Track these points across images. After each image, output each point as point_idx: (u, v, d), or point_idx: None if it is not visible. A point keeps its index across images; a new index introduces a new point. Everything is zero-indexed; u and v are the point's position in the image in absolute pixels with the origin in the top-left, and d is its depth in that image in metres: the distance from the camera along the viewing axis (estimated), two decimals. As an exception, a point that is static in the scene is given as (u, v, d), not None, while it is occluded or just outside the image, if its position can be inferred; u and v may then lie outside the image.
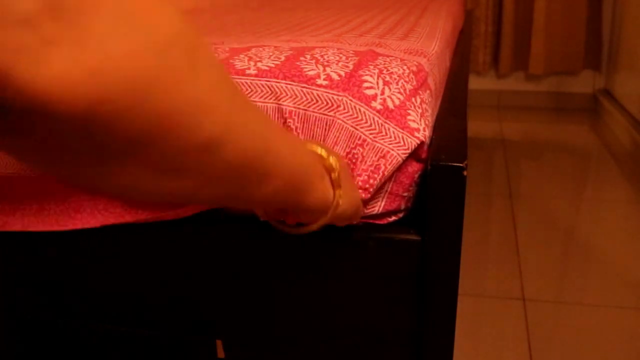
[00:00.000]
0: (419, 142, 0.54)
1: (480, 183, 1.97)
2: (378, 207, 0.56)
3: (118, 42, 0.21)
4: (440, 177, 0.52)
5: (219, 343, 0.65)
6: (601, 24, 2.70)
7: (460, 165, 0.52)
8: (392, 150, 0.54)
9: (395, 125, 0.54)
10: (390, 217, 0.58)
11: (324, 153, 0.43)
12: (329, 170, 0.44)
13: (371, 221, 0.58)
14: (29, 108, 0.20)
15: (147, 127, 0.24)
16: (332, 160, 0.43)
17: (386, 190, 0.56)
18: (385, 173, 0.54)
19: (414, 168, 0.55)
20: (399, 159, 0.54)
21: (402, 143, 0.54)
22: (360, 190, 0.54)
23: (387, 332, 0.60)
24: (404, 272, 0.58)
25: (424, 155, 0.56)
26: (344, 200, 0.45)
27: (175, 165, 0.27)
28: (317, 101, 0.55)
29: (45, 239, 0.65)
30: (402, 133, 0.54)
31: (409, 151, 0.54)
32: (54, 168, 0.25)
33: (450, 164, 0.52)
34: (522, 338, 1.19)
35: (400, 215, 0.58)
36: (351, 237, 0.57)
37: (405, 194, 0.56)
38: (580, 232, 1.61)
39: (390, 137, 0.54)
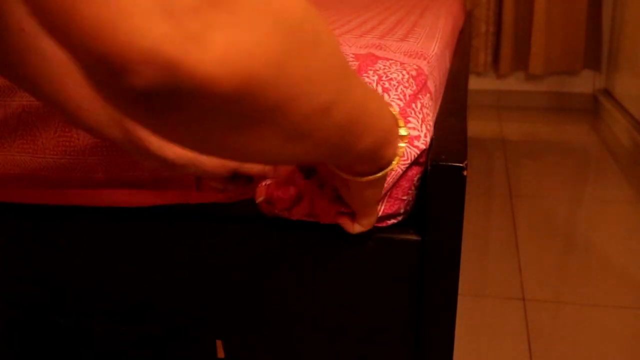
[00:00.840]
0: (419, 151, 0.54)
1: (480, 183, 1.97)
2: (378, 210, 0.57)
3: (261, 24, 0.24)
4: (440, 177, 0.52)
5: (219, 343, 0.65)
6: (601, 24, 2.70)
7: (460, 165, 0.52)
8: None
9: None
10: (390, 220, 0.58)
11: (396, 113, 0.48)
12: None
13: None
14: (197, 88, 0.23)
15: (283, 95, 0.27)
16: (401, 122, 0.48)
17: (386, 194, 0.56)
18: (385, 185, 0.54)
19: (414, 172, 0.56)
20: (399, 171, 0.54)
21: (404, 156, 0.54)
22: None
23: (387, 332, 0.60)
24: (404, 272, 0.58)
25: (423, 159, 0.56)
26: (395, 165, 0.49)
27: (300, 130, 0.31)
28: None
29: (45, 237, 0.66)
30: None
31: (408, 162, 0.54)
32: (199, 140, 0.28)
33: (450, 164, 0.52)
34: (522, 338, 1.19)
35: (400, 218, 0.58)
36: (351, 237, 0.57)
37: (405, 197, 0.56)
38: (580, 232, 1.62)
39: None
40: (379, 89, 0.57)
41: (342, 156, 0.40)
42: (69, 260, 0.66)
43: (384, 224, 0.58)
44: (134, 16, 0.21)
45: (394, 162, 0.47)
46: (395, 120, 0.46)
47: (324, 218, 0.55)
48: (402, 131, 0.47)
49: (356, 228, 0.54)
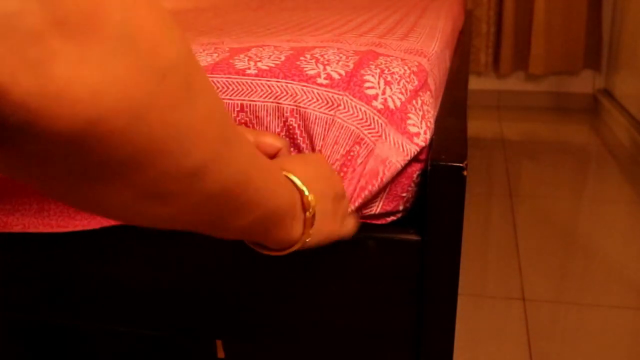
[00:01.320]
0: (419, 148, 0.54)
1: (480, 183, 1.97)
2: (376, 207, 0.56)
3: (119, 63, 0.21)
4: (440, 177, 0.52)
5: (219, 343, 0.65)
6: (601, 24, 2.70)
7: (460, 165, 0.52)
8: (392, 156, 0.54)
9: (396, 130, 0.54)
10: (389, 217, 0.58)
11: (305, 189, 0.43)
12: (306, 207, 0.44)
13: (369, 221, 0.58)
14: (28, 122, 0.20)
15: (139, 149, 0.24)
16: (311, 197, 0.43)
17: (385, 191, 0.56)
18: (384, 179, 0.54)
19: (413, 168, 0.55)
20: (398, 166, 0.54)
21: (401, 149, 0.54)
22: (357, 196, 0.54)
23: (387, 332, 0.60)
24: (404, 272, 0.58)
25: (423, 156, 0.55)
26: (315, 237, 0.46)
27: (162, 190, 0.27)
28: (317, 100, 0.55)
29: (44, 239, 0.65)
30: (402, 138, 0.54)
31: (408, 158, 0.54)
32: (40, 183, 0.25)
33: (450, 164, 0.52)
34: (522, 338, 1.19)
35: (399, 215, 0.58)
36: (351, 237, 0.57)
37: (404, 194, 0.56)
38: (580, 232, 1.61)
39: (390, 142, 0.54)
40: (381, 82, 0.56)
41: (217, 229, 0.36)
42: (68, 260, 0.66)
43: (383, 221, 0.58)
44: None
45: (301, 241, 0.44)
46: (295, 200, 0.42)
47: None
48: (311, 198, 0.43)
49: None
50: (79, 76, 0.20)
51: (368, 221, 0.58)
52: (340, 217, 0.50)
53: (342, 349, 0.62)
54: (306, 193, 0.43)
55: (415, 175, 0.56)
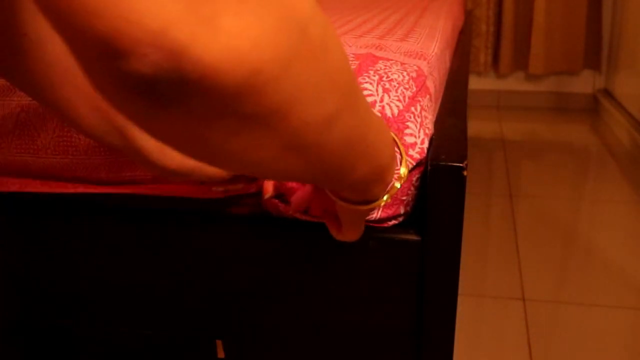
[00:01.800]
0: (414, 162, 0.54)
1: (480, 183, 1.97)
2: (377, 212, 0.57)
3: (270, 15, 0.22)
4: (440, 177, 0.52)
5: (219, 343, 0.65)
6: (601, 24, 2.70)
7: (460, 165, 0.52)
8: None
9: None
10: (390, 221, 0.58)
11: (402, 149, 0.46)
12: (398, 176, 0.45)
13: (371, 225, 0.58)
14: (202, 77, 0.21)
15: (286, 99, 0.25)
16: (404, 158, 0.46)
17: None
18: None
19: (413, 173, 0.56)
20: (390, 182, 0.54)
21: (397, 166, 0.54)
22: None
23: (387, 332, 0.60)
24: (404, 272, 0.58)
25: (423, 158, 0.56)
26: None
27: (299, 140, 0.29)
28: None
29: (44, 238, 0.66)
30: (397, 151, 0.54)
31: (404, 176, 0.54)
32: (194, 145, 0.27)
33: (450, 164, 0.52)
34: (522, 338, 1.19)
35: (401, 219, 0.58)
36: (351, 237, 0.57)
37: (404, 198, 0.56)
38: (580, 232, 1.62)
39: None
40: (379, 90, 0.57)
41: (335, 181, 0.37)
42: (68, 261, 0.66)
43: (384, 225, 0.58)
44: None
45: (380, 201, 0.44)
46: (395, 158, 0.43)
47: (315, 211, 0.55)
48: (402, 170, 0.44)
49: (339, 236, 0.52)
50: (243, 30, 0.21)
51: (371, 225, 0.58)
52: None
53: (342, 349, 0.62)
54: (402, 153, 0.45)
55: (415, 179, 0.56)
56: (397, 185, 0.44)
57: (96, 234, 0.64)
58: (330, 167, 0.34)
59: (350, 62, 0.61)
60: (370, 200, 0.44)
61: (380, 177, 0.41)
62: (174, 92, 0.22)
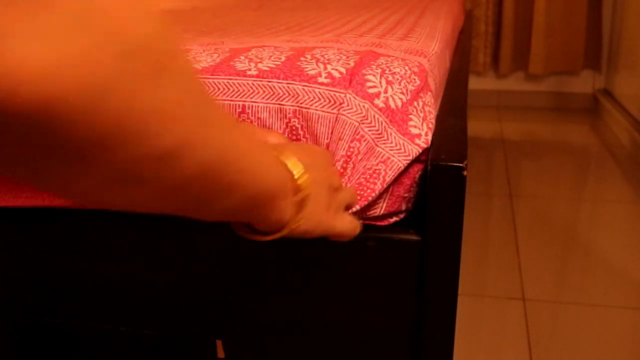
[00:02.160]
0: (420, 149, 0.54)
1: (480, 183, 1.97)
2: (379, 208, 0.57)
3: (78, 40, 0.20)
4: (440, 177, 0.52)
5: (219, 343, 0.65)
6: (601, 24, 2.70)
7: (460, 165, 0.52)
8: (393, 156, 0.54)
9: (397, 130, 0.55)
10: (392, 218, 0.58)
11: (296, 171, 0.42)
12: (295, 190, 0.42)
13: (373, 222, 0.58)
14: None
15: (104, 131, 0.23)
16: (303, 180, 0.42)
17: (388, 192, 0.56)
18: (387, 179, 0.54)
19: (415, 169, 0.56)
20: (400, 165, 0.54)
21: (403, 150, 0.54)
22: (359, 195, 0.54)
23: (387, 331, 0.60)
24: (404, 272, 0.58)
25: (423, 157, 0.56)
26: (305, 223, 0.45)
27: (131, 174, 0.26)
28: (319, 99, 0.55)
29: (43, 237, 0.66)
30: (403, 140, 0.54)
31: (410, 158, 0.54)
32: (3, 167, 0.24)
33: (450, 164, 0.52)
34: (522, 338, 1.19)
35: (402, 216, 0.58)
36: (351, 237, 0.57)
37: (406, 195, 0.56)
38: (580, 232, 1.62)
39: (392, 142, 0.54)
40: (383, 82, 0.56)
41: (204, 209, 0.34)
42: (67, 260, 0.66)
43: (386, 222, 0.58)
44: None
45: (284, 230, 0.42)
46: (285, 179, 0.41)
47: None
48: (302, 181, 0.42)
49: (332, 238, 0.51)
50: (33, 53, 0.19)
51: (372, 222, 0.58)
52: (334, 209, 0.49)
53: (342, 349, 0.62)
54: (296, 176, 0.42)
55: (417, 176, 0.56)
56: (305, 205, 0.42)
57: (96, 234, 0.64)
58: (187, 198, 0.31)
59: (351, 56, 0.60)
60: (277, 228, 0.42)
61: (269, 201, 0.38)
62: None
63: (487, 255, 1.51)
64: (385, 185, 0.54)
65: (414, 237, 0.56)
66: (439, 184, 0.52)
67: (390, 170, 0.54)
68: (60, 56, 0.19)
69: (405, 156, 0.54)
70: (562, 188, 1.91)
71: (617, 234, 1.60)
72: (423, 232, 0.56)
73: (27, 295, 0.69)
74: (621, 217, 1.71)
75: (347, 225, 0.50)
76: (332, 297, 0.60)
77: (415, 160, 0.55)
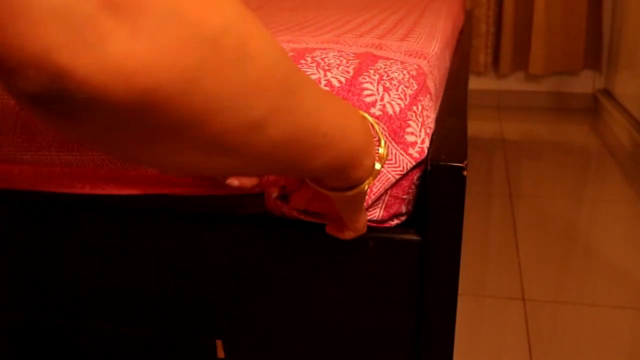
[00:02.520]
0: (413, 161, 0.54)
1: (480, 183, 1.97)
2: (378, 211, 0.57)
3: (168, 36, 0.23)
4: (440, 177, 0.52)
5: (219, 343, 0.65)
6: (601, 24, 2.70)
7: (460, 165, 0.52)
8: (384, 169, 0.54)
9: (392, 138, 0.55)
10: (393, 220, 0.58)
11: (378, 131, 0.47)
12: (377, 145, 0.45)
13: (374, 225, 0.58)
14: (90, 97, 0.23)
15: (196, 110, 0.26)
16: (383, 150, 0.45)
17: (386, 194, 0.56)
18: (374, 190, 0.54)
19: (413, 171, 0.56)
20: (389, 177, 0.54)
21: (394, 161, 0.54)
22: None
23: (387, 332, 0.60)
24: (404, 272, 0.58)
25: (422, 160, 0.56)
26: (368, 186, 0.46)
27: (224, 145, 0.29)
28: None
29: (43, 237, 0.66)
30: (397, 150, 0.54)
31: (402, 172, 0.54)
32: (110, 149, 0.28)
33: (450, 164, 0.52)
34: (522, 338, 1.19)
35: (403, 218, 0.58)
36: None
37: (406, 197, 0.56)
38: (580, 232, 1.62)
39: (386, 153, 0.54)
40: (380, 89, 0.57)
41: (292, 171, 0.37)
42: (67, 260, 0.66)
43: (387, 225, 0.58)
44: (27, 20, 0.20)
45: (365, 184, 0.44)
46: (370, 140, 0.43)
47: (314, 208, 0.54)
48: (381, 150, 0.44)
49: (347, 234, 0.52)
50: (132, 51, 0.22)
51: (373, 225, 0.58)
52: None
53: (342, 349, 0.62)
54: (382, 143, 0.45)
55: (415, 178, 0.56)
56: (378, 166, 0.44)
57: (96, 234, 0.64)
58: (279, 161, 0.34)
59: (350, 60, 0.60)
60: (354, 184, 0.44)
61: (353, 161, 0.41)
62: (66, 107, 0.23)
63: (487, 255, 1.51)
64: (372, 197, 0.54)
65: (414, 237, 0.56)
66: (439, 184, 0.52)
67: (380, 183, 0.54)
68: (155, 52, 0.23)
69: (396, 167, 0.54)
70: (562, 188, 1.91)
71: (617, 234, 1.60)
72: (423, 232, 0.56)
73: (27, 295, 0.69)
74: (621, 217, 1.71)
75: (364, 224, 0.51)
76: (332, 297, 0.60)
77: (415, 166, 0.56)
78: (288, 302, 0.62)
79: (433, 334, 0.58)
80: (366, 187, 0.44)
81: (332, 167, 0.39)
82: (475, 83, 2.91)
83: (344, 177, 0.42)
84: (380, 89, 0.56)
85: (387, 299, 0.59)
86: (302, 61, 0.60)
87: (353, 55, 0.62)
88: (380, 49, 0.68)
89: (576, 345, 1.17)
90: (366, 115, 0.46)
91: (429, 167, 0.53)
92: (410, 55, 0.67)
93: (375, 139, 0.46)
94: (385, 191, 0.56)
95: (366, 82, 0.57)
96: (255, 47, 0.28)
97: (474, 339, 1.19)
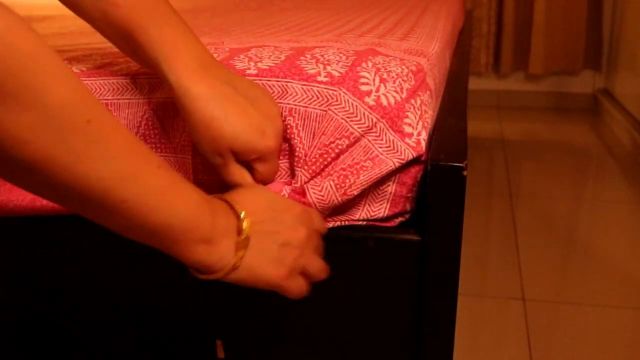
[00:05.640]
0: (413, 151, 0.54)
1: (480, 183, 1.97)
2: (383, 209, 0.56)
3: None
4: (440, 177, 0.52)
5: (219, 343, 0.65)
6: (601, 24, 2.70)
7: (460, 165, 0.52)
8: (382, 154, 0.54)
9: (390, 127, 0.54)
10: (397, 218, 0.58)
11: (242, 213, 0.45)
12: (238, 231, 0.45)
13: (378, 224, 0.58)
14: None
15: None
16: (245, 224, 0.45)
17: (390, 192, 0.56)
18: (372, 176, 0.54)
19: (416, 168, 0.56)
20: (389, 163, 0.53)
21: (393, 148, 0.54)
22: (339, 188, 0.54)
23: (387, 332, 0.60)
24: (404, 272, 0.58)
25: (424, 157, 0.56)
26: (242, 272, 0.46)
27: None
28: (317, 98, 0.55)
29: (42, 237, 0.65)
30: (394, 137, 0.54)
31: (401, 156, 0.54)
32: None
33: (450, 164, 0.52)
34: (522, 338, 1.19)
35: (407, 216, 0.58)
36: (351, 237, 0.57)
37: (410, 195, 0.56)
38: (580, 232, 1.61)
39: (382, 139, 0.54)
40: (376, 80, 0.56)
41: (104, 219, 0.39)
42: (67, 261, 0.66)
43: (391, 224, 0.58)
44: None
45: (216, 274, 0.45)
46: (208, 227, 0.43)
47: None
48: (242, 212, 0.45)
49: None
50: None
51: (377, 224, 0.58)
52: (286, 267, 0.49)
53: (342, 349, 0.62)
54: (241, 216, 0.45)
55: (418, 176, 0.56)
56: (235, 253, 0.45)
57: (96, 234, 0.64)
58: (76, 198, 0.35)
59: (350, 57, 0.60)
60: (201, 268, 0.45)
61: (178, 238, 0.42)
62: None
63: (487, 255, 1.51)
64: (368, 179, 0.54)
65: (414, 237, 0.56)
66: (439, 184, 0.52)
67: (377, 168, 0.53)
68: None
69: (398, 156, 0.54)
70: (562, 188, 1.91)
71: (617, 234, 1.60)
72: (423, 232, 0.56)
73: (27, 295, 0.69)
74: (621, 217, 1.71)
75: (295, 289, 0.50)
76: (332, 297, 0.60)
77: (416, 162, 0.55)
78: (287, 302, 0.62)
79: (433, 334, 0.58)
80: (222, 273, 0.45)
81: (147, 235, 0.41)
82: (475, 83, 2.91)
83: (176, 256, 0.43)
84: (377, 79, 0.56)
85: (387, 299, 0.59)
86: (302, 57, 0.60)
87: (353, 52, 0.62)
88: (380, 47, 0.68)
89: (576, 345, 1.17)
90: (238, 204, 0.46)
91: (428, 167, 0.53)
92: (410, 53, 0.67)
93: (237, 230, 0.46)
94: (390, 191, 0.56)
95: (363, 71, 0.57)
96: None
97: (474, 339, 1.19)
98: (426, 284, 0.56)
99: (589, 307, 1.29)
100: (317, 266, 0.52)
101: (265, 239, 0.46)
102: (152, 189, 0.39)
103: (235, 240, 0.45)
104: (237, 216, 0.45)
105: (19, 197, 0.62)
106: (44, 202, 0.62)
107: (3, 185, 0.63)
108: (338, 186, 0.53)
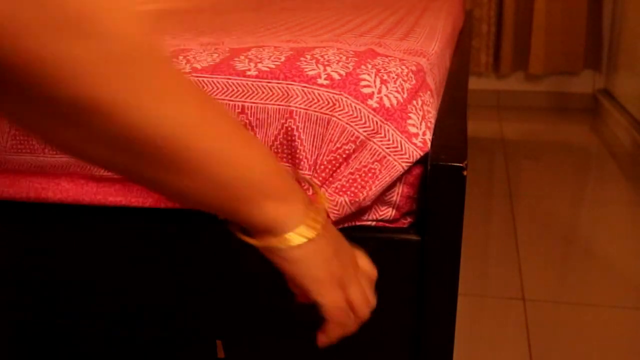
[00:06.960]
0: (419, 150, 0.54)
1: (480, 183, 1.97)
2: (391, 210, 0.57)
3: None
4: (440, 177, 0.52)
5: (219, 343, 0.65)
6: (601, 24, 2.70)
7: (460, 165, 0.52)
8: (389, 155, 0.54)
9: (395, 128, 0.54)
10: (406, 219, 0.58)
11: (325, 203, 0.42)
12: (311, 207, 0.41)
13: (386, 225, 0.58)
14: None
15: (23, 67, 0.25)
16: (322, 211, 0.41)
17: (397, 193, 0.56)
18: (381, 178, 0.54)
19: (419, 170, 0.56)
20: (396, 165, 0.54)
21: (399, 148, 0.54)
22: (353, 203, 0.54)
23: (387, 332, 0.60)
24: (404, 272, 0.58)
25: (426, 153, 0.56)
26: (299, 253, 0.41)
27: (57, 110, 0.28)
28: (318, 100, 0.55)
29: (43, 237, 0.65)
30: (400, 137, 0.54)
31: (408, 158, 0.54)
32: (31, 127, 0.29)
33: (450, 164, 0.52)
34: (522, 338, 1.19)
35: (414, 217, 0.58)
36: (351, 237, 0.57)
37: (416, 195, 0.57)
38: (580, 232, 1.61)
39: (388, 139, 0.54)
40: (377, 81, 0.56)
41: (159, 183, 0.34)
42: (68, 261, 0.66)
43: (399, 225, 0.58)
44: None
45: (289, 235, 0.40)
46: (278, 183, 0.38)
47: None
48: (322, 209, 0.40)
49: (320, 338, 0.47)
50: None
51: (385, 224, 0.58)
52: (337, 281, 0.44)
53: (342, 349, 0.62)
54: (324, 203, 0.41)
55: (422, 176, 0.56)
56: (306, 228, 0.40)
57: (96, 234, 0.64)
58: (126, 157, 0.32)
59: (350, 57, 0.60)
60: (264, 230, 0.40)
61: (244, 197, 0.37)
62: None
63: (487, 255, 1.51)
64: (380, 189, 0.54)
65: (414, 237, 0.56)
66: (439, 184, 0.52)
67: (385, 170, 0.54)
68: None
69: (402, 154, 0.54)
70: (562, 188, 1.91)
71: (617, 234, 1.60)
72: (423, 232, 0.56)
73: (27, 295, 0.69)
74: (621, 217, 1.71)
75: (337, 303, 0.45)
76: (332, 297, 0.60)
77: (419, 162, 0.56)
78: (287, 302, 0.62)
79: (433, 334, 0.58)
80: (293, 241, 0.40)
81: (213, 193, 0.35)
82: (475, 83, 2.91)
83: (240, 217, 0.38)
84: (378, 81, 0.56)
85: (387, 299, 0.59)
86: (302, 58, 0.60)
87: (353, 52, 0.62)
88: (380, 47, 0.68)
89: (576, 345, 1.17)
90: (299, 173, 0.43)
91: (429, 167, 0.53)
92: (410, 53, 0.67)
93: (306, 187, 0.43)
94: (397, 191, 0.56)
95: (364, 74, 0.57)
96: (105, 26, 0.27)
97: (474, 339, 1.19)
98: (426, 284, 0.56)
99: (589, 307, 1.29)
100: (364, 296, 0.47)
101: (329, 243, 0.43)
102: (231, 140, 0.35)
103: (309, 213, 0.40)
104: (316, 206, 0.41)
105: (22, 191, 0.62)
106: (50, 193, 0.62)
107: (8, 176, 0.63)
108: (352, 201, 0.54)
